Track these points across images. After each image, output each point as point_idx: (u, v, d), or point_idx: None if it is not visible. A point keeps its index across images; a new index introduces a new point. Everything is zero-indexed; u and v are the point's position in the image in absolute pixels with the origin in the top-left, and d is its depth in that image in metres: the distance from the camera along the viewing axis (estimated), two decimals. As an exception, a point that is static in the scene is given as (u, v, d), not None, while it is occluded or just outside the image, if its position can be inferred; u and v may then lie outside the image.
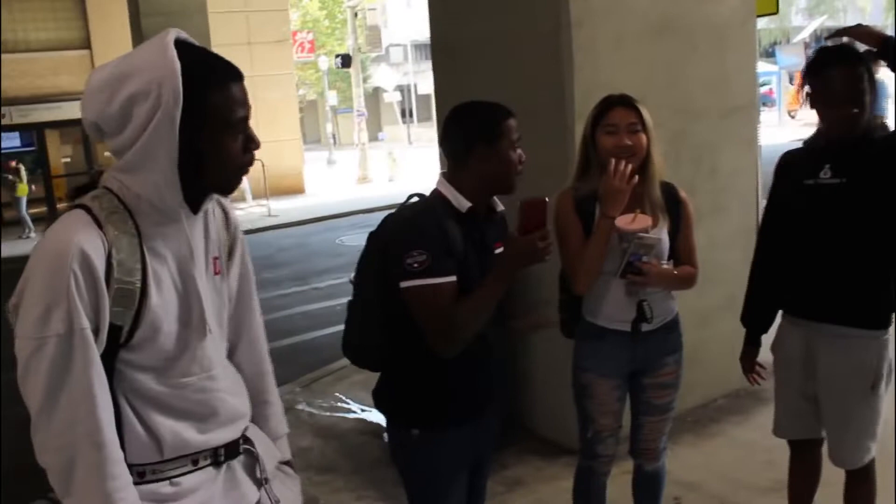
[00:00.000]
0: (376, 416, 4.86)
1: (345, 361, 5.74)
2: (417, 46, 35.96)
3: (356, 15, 23.38)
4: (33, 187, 18.12)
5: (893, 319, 2.55)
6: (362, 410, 5.05)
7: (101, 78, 1.46)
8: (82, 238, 1.40)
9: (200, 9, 13.74)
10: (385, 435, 4.48)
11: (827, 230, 2.52)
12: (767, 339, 2.85)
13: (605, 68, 3.74)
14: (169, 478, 1.53)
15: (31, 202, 17.73)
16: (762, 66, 30.11)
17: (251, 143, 1.54)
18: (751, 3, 4.47)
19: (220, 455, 1.61)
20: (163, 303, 1.49)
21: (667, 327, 2.70)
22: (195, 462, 1.57)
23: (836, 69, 2.40)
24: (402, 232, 2.16)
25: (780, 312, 2.76)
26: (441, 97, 4.69)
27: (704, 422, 4.26)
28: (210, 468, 1.59)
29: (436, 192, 2.25)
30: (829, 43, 2.55)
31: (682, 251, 2.69)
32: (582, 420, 2.79)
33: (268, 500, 1.70)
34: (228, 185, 1.57)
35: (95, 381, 1.42)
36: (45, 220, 19.06)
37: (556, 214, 2.64)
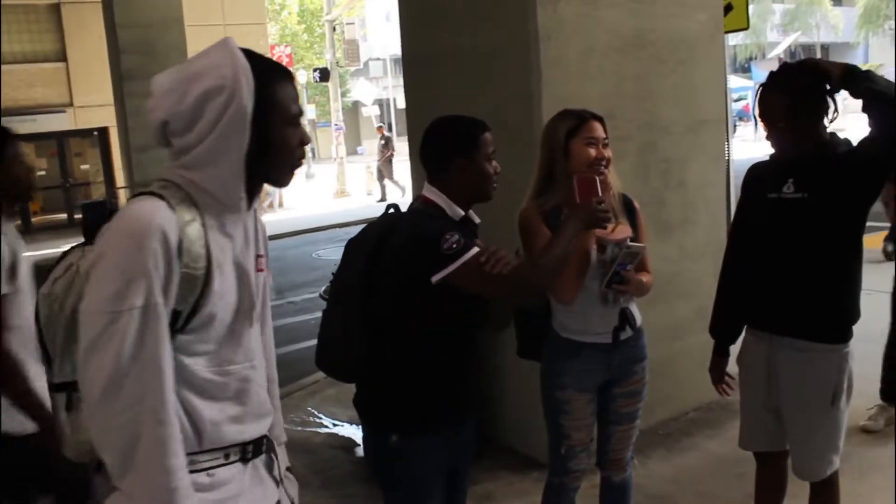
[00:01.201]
0: (348, 431, 4.84)
1: (318, 375, 5.70)
2: (396, 61, 36.04)
3: (335, 29, 23.40)
4: (7, 200, 17.90)
5: (852, 333, 2.57)
6: (334, 425, 5.01)
7: (170, 80, 1.53)
8: (162, 218, 1.44)
9: (177, 21, 13.68)
10: (357, 449, 4.46)
11: (788, 244, 2.54)
12: (736, 349, 2.87)
13: (575, 82, 3.76)
14: (205, 469, 1.56)
15: (5, 216, 17.50)
16: (738, 82, 30.48)
17: (305, 138, 1.65)
18: (719, 19, 4.52)
19: (248, 451, 1.65)
20: (221, 291, 1.54)
21: (636, 335, 2.74)
22: (227, 456, 1.60)
23: (766, 90, 2.52)
24: (425, 232, 2.20)
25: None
26: (412, 111, 4.70)
27: (676, 435, 4.26)
28: (238, 463, 1.62)
29: (426, 200, 2.32)
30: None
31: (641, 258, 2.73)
32: (555, 437, 2.78)
33: (286, 498, 1.80)
34: (286, 177, 1.66)
35: (165, 357, 1.45)
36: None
37: (527, 230, 2.66)
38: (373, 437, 2.37)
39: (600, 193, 2.36)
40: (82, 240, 1.80)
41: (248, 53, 1.55)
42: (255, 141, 1.53)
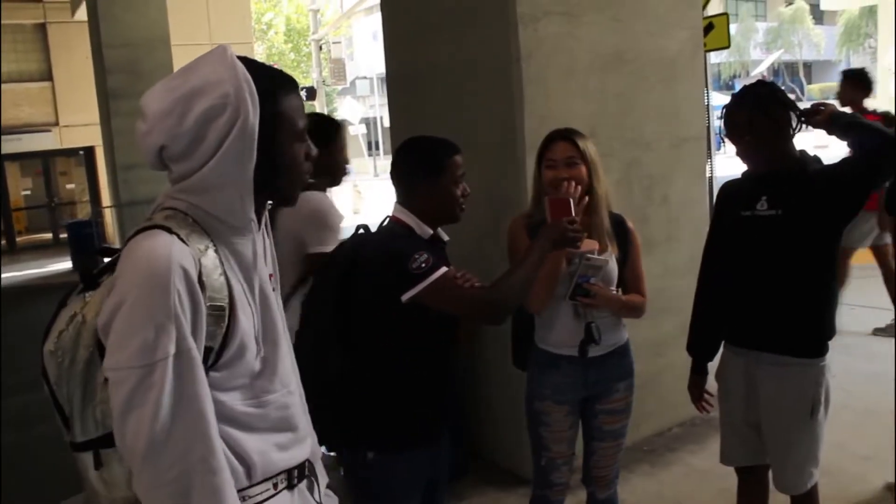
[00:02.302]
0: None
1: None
2: (383, 79, 36.06)
3: (321, 48, 23.51)
4: (-8, 220, 17.84)
5: (828, 347, 2.59)
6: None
7: (165, 100, 1.40)
8: (179, 255, 1.34)
9: (163, 41, 13.69)
10: (341, 469, 4.43)
11: (763, 261, 2.58)
12: (714, 366, 2.89)
13: (556, 100, 3.79)
14: (257, 503, 1.49)
15: (-11, 235, 17.42)
16: (723, 99, 30.74)
17: (311, 152, 1.56)
18: (699, 38, 4.57)
19: (294, 477, 1.58)
20: (247, 319, 1.46)
21: (617, 353, 2.74)
22: (275, 486, 1.53)
23: (729, 108, 2.59)
24: (393, 250, 2.22)
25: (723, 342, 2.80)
26: (396, 129, 4.72)
27: (660, 451, 4.27)
28: (285, 491, 1.56)
29: (396, 220, 2.35)
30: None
31: (630, 279, 2.77)
32: (535, 448, 2.80)
33: None
34: (293, 194, 1.57)
35: (207, 402, 1.36)
36: (5, 254, 18.77)
37: (510, 238, 2.73)
38: (349, 454, 2.37)
39: (573, 214, 2.38)
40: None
41: (248, 62, 1.44)
42: (261, 159, 1.42)
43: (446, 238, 2.41)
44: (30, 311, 8.15)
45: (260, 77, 1.43)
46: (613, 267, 2.69)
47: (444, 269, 2.18)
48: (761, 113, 2.49)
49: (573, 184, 2.53)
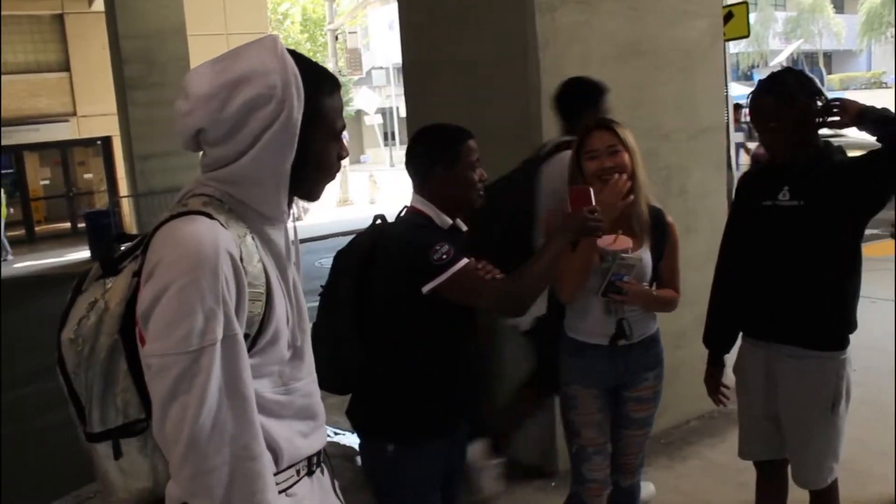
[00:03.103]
0: (349, 440, 4.81)
1: (319, 384, 5.68)
2: (399, 70, 35.99)
3: (337, 38, 23.48)
4: (11, 210, 17.98)
5: (850, 340, 2.55)
6: (335, 433, 4.99)
7: (210, 83, 1.38)
8: (224, 241, 1.33)
9: (179, 31, 13.75)
10: (358, 458, 4.44)
11: (783, 252, 2.54)
12: (732, 358, 2.85)
13: (573, 90, 3.75)
14: (284, 490, 1.48)
15: (10, 225, 17.57)
16: (742, 89, 30.49)
17: (344, 151, 1.56)
18: (718, 27, 4.52)
19: (314, 464, 1.58)
20: (281, 306, 1.46)
21: (646, 343, 2.73)
22: (298, 472, 1.53)
23: (756, 95, 2.54)
24: (414, 241, 2.23)
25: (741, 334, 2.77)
26: (413, 119, 4.70)
27: (678, 443, 4.24)
28: (306, 478, 1.56)
29: (414, 210, 2.34)
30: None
31: (664, 274, 2.76)
32: (568, 437, 2.80)
33: None
34: (320, 191, 1.57)
35: (251, 388, 1.35)
36: (24, 244, 18.94)
37: (546, 229, 2.69)
38: (368, 446, 2.37)
39: (593, 203, 2.34)
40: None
41: (296, 57, 1.44)
42: (295, 153, 1.42)
43: (465, 228, 2.40)
44: (48, 299, 8.18)
45: (306, 73, 1.42)
46: (648, 262, 2.67)
47: (465, 261, 2.18)
48: (787, 101, 2.45)
49: (623, 177, 2.53)
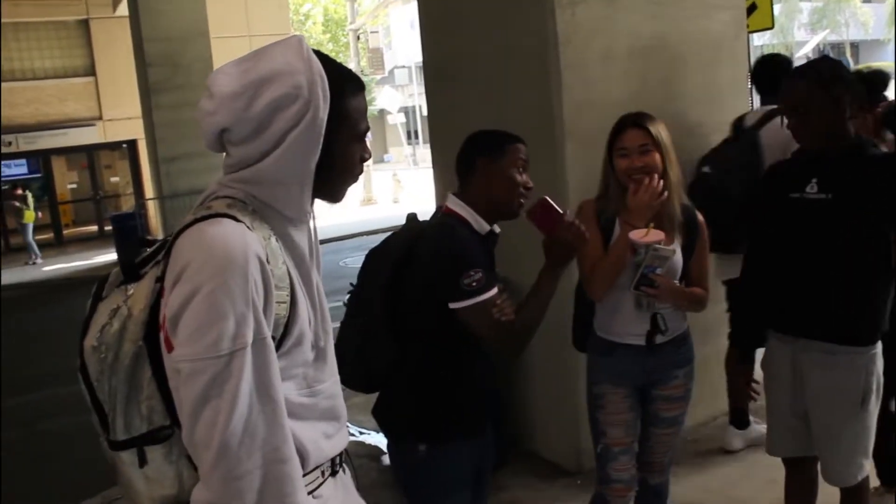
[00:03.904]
0: (374, 439, 4.82)
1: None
2: (422, 68, 36.01)
3: (358, 38, 23.54)
4: (40, 214, 18.24)
5: (880, 335, 2.51)
6: (360, 433, 5.00)
7: (236, 82, 1.38)
8: (252, 243, 1.32)
9: (202, 34, 13.87)
10: (383, 457, 4.45)
11: (810, 246, 2.49)
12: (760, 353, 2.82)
13: (595, 85, 3.73)
14: (311, 491, 1.47)
15: (38, 228, 17.83)
16: (766, 81, 30.10)
17: (367, 153, 1.55)
18: (742, 19, 4.46)
19: (336, 465, 1.58)
20: (304, 308, 1.45)
21: (677, 341, 2.71)
22: (323, 473, 1.53)
23: (790, 79, 2.51)
24: (450, 253, 2.17)
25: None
26: (434, 118, 4.70)
27: (705, 440, 4.20)
28: (330, 479, 1.55)
29: (451, 213, 2.28)
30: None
31: (694, 273, 2.73)
32: (593, 436, 2.78)
33: None
34: (342, 192, 1.56)
35: (280, 391, 1.35)
36: (52, 247, 19.19)
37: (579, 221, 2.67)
38: (398, 446, 2.36)
39: (562, 213, 2.22)
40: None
41: (323, 58, 1.43)
42: (321, 154, 1.42)
43: (498, 230, 2.35)
44: (77, 301, 8.29)
45: (331, 74, 1.42)
46: (679, 259, 2.65)
47: (490, 293, 2.15)
48: (821, 88, 2.40)
49: (655, 178, 2.53)
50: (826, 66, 2.47)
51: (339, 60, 1.55)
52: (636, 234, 2.53)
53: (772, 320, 2.68)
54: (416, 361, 2.27)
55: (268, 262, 1.35)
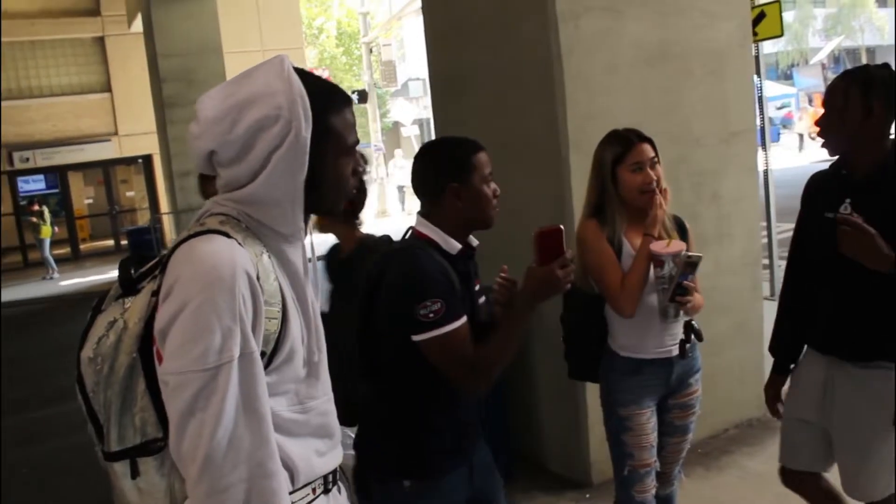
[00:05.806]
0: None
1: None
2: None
3: (371, 51, 23.64)
4: (56, 229, 18.39)
5: None
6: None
7: (219, 106, 1.41)
8: (241, 259, 1.34)
9: (216, 49, 13.95)
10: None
11: (842, 265, 2.35)
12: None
13: (600, 97, 3.73)
14: None
15: (55, 243, 17.98)
16: (781, 89, 29.98)
17: (358, 167, 1.58)
18: (747, 28, 4.44)
19: (329, 482, 1.57)
20: (296, 324, 1.46)
21: (692, 347, 2.71)
22: (314, 491, 1.52)
23: (834, 80, 2.40)
24: (407, 281, 2.04)
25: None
26: (442, 130, 4.70)
27: (715, 453, 4.16)
28: (322, 496, 1.55)
29: (418, 235, 2.16)
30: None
31: None
32: (618, 458, 2.72)
33: None
34: (337, 207, 1.59)
35: (267, 406, 1.35)
36: (69, 261, 19.35)
37: (588, 245, 2.64)
38: (382, 485, 2.18)
39: (564, 248, 2.06)
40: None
41: (304, 75, 1.45)
42: (307, 171, 1.43)
43: (476, 243, 2.23)
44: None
45: (313, 91, 1.43)
46: None
47: (452, 325, 2.00)
48: (859, 92, 2.30)
49: (666, 192, 2.55)
50: (876, 73, 2.36)
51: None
52: (658, 246, 2.51)
53: (807, 336, 2.62)
54: (391, 395, 2.15)
55: (258, 277, 1.36)
